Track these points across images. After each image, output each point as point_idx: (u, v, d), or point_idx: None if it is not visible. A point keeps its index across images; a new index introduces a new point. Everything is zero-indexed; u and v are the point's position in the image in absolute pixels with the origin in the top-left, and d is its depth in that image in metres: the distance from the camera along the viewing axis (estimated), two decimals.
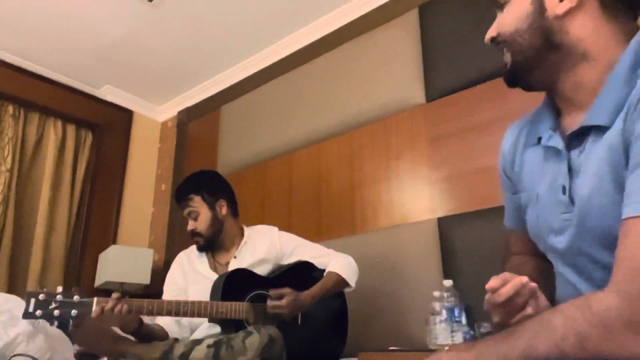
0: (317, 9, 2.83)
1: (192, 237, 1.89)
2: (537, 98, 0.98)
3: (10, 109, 3.16)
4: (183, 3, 2.76)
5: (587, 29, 0.80)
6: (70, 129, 3.45)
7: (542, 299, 0.83)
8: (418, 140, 2.30)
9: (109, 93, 3.64)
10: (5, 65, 3.16)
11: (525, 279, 0.80)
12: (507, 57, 0.89)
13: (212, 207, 1.89)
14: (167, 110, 3.90)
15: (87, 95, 3.54)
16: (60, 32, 3.01)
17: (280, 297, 1.68)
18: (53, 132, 3.33)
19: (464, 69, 2.22)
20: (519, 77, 0.89)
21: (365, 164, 2.48)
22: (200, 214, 1.86)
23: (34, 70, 3.29)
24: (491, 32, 0.91)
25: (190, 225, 1.86)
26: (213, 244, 1.91)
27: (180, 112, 3.81)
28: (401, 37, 2.51)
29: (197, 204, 1.87)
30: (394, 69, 2.50)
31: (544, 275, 0.98)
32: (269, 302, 1.68)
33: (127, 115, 3.73)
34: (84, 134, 3.54)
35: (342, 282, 1.84)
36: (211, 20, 2.91)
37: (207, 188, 1.90)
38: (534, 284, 0.82)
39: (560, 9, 0.81)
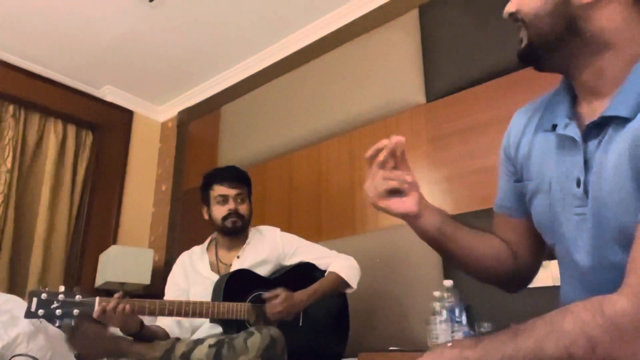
0: (317, 9, 2.83)
1: (227, 218, 1.89)
2: (538, 97, 0.97)
3: (11, 109, 3.16)
4: (183, 3, 2.76)
5: (615, 20, 0.77)
6: (71, 129, 3.45)
7: (417, 199, 0.92)
8: (418, 140, 2.30)
9: (109, 93, 3.64)
10: (5, 65, 3.16)
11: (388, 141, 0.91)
12: (524, 36, 0.85)
13: (250, 201, 2.00)
14: (168, 111, 3.91)
15: (87, 96, 3.54)
16: (60, 32, 3.01)
17: (274, 298, 1.69)
18: (53, 132, 3.34)
19: (464, 69, 2.22)
20: (533, 56, 0.86)
21: (365, 164, 2.47)
22: (246, 201, 1.97)
23: (34, 70, 3.29)
24: (510, 7, 0.87)
25: (233, 204, 1.91)
26: (241, 232, 1.94)
27: (180, 112, 3.81)
28: (401, 37, 2.51)
29: (245, 192, 1.97)
30: (394, 69, 2.50)
31: (490, 249, 0.98)
32: (267, 304, 1.69)
33: (127, 115, 3.73)
34: (85, 134, 3.54)
35: (341, 283, 1.85)
36: (211, 21, 2.91)
37: (250, 186, 2.02)
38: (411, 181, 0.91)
39: None
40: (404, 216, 0.93)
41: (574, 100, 0.86)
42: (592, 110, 0.80)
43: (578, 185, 0.79)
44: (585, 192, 0.78)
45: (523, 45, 0.85)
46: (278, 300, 1.68)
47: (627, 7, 0.77)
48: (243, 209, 1.93)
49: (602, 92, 0.79)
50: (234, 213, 1.90)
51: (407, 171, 0.93)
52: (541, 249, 0.99)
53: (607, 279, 0.74)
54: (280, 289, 1.72)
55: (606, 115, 0.75)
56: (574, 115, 0.84)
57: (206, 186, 1.98)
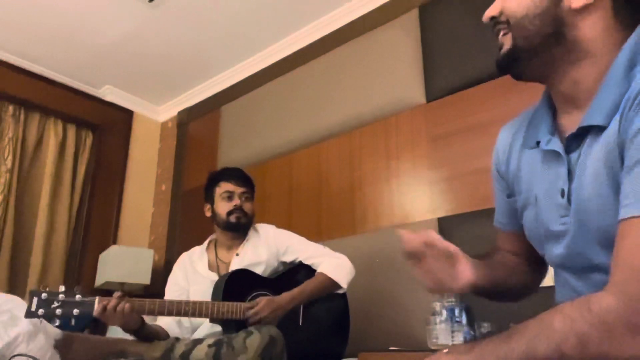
0: (317, 9, 2.83)
1: (231, 214, 1.92)
2: (538, 97, 0.97)
3: (11, 109, 3.16)
4: (183, 3, 2.76)
5: (596, 29, 0.79)
6: (71, 129, 3.45)
7: (465, 265, 0.88)
8: (418, 140, 2.30)
9: (109, 93, 3.64)
10: (5, 65, 3.16)
11: (432, 237, 0.88)
12: (506, 40, 0.85)
13: (253, 202, 2.04)
14: (167, 111, 3.90)
15: (87, 96, 3.54)
16: (60, 32, 3.01)
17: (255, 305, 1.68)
18: (53, 132, 3.34)
19: (464, 69, 2.22)
20: (514, 63, 0.85)
21: (365, 164, 2.48)
22: (250, 201, 2.01)
23: (34, 70, 3.29)
24: (492, 11, 0.86)
25: (239, 201, 1.95)
26: (243, 230, 1.96)
27: (180, 112, 3.81)
28: (401, 37, 2.51)
29: (250, 193, 2.03)
30: (394, 69, 2.50)
31: (510, 271, 0.99)
32: (247, 312, 1.67)
33: (127, 115, 3.73)
34: (84, 134, 3.54)
35: (329, 284, 1.83)
36: (211, 20, 2.91)
37: (254, 190, 2.07)
38: (452, 247, 0.87)
39: (577, 2, 0.78)
40: (466, 289, 0.90)
41: (554, 114, 0.88)
42: (571, 122, 0.82)
43: (562, 195, 0.81)
44: (569, 201, 0.80)
45: (505, 49, 0.85)
46: (257, 307, 1.67)
47: (608, 17, 0.79)
48: (247, 207, 1.97)
49: (579, 102, 0.81)
50: (239, 209, 1.93)
51: (444, 244, 0.90)
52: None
53: (595, 281, 0.77)
54: (262, 297, 1.71)
55: (583, 125, 0.77)
56: (556, 129, 0.86)
57: (212, 183, 2.01)
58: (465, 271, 0.89)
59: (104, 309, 1.44)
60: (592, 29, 0.79)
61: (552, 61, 0.82)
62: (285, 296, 1.75)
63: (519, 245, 1.01)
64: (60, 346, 1.45)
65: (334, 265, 1.86)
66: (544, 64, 0.83)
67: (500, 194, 1.02)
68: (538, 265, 1.02)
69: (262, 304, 1.69)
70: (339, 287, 1.85)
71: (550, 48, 0.81)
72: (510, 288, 1.00)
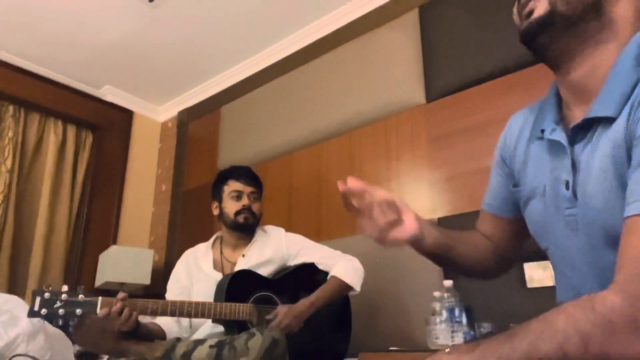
0: (317, 9, 2.83)
1: (239, 214, 1.92)
2: (538, 97, 0.98)
3: (11, 109, 3.16)
4: (183, 3, 2.76)
5: (628, 11, 0.78)
6: (71, 130, 3.45)
7: (410, 217, 0.92)
8: (418, 140, 2.31)
9: (109, 93, 3.64)
10: (5, 65, 3.16)
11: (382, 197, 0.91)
12: (540, 5, 0.80)
13: (261, 203, 2.04)
14: (168, 111, 3.91)
15: (87, 96, 3.54)
16: (60, 32, 3.01)
17: (274, 319, 1.68)
18: (53, 132, 3.34)
19: (464, 69, 2.22)
20: (546, 30, 0.80)
21: (365, 164, 2.48)
22: (259, 201, 2.01)
23: (34, 70, 3.29)
24: None
25: (247, 201, 1.96)
26: (251, 230, 1.97)
27: (180, 112, 3.81)
28: (401, 37, 2.52)
29: (259, 193, 2.03)
30: (394, 69, 2.50)
31: (472, 248, 1.04)
32: (271, 325, 1.67)
33: (127, 115, 3.73)
34: (85, 134, 3.54)
35: (345, 287, 1.83)
36: (211, 20, 2.91)
37: (262, 189, 2.08)
38: (395, 197, 0.91)
39: None
40: (411, 241, 0.94)
41: (561, 105, 0.87)
42: (578, 113, 0.81)
43: (567, 187, 0.80)
44: (574, 194, 0.79)
45: (539, 13, 0.80)
46: (277, 319, 1.67)
47: (638, 4, 0.78)
48: (256, 207, 1.97)
49: (590, 93, 0.79)
50: (247, 209, 1.93)
51: (390, 195, 0.94)
52: (521, 245, 1.06)
53: (600, 279, 0.75)
54: (280, 306, 1.72)
55: (589, 117, 0.76)
56: (561, 119, 0.85)
57: (221, 181, 2.01)
58: (410, 222, 0.92)
59: (109, 313, 1.44)
60: (625, 10, 0.78)
61: (584, 35, 0.79)
62: (304, 303, 1.74)
63: (501, 230, 1.04)
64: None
65: (347, 267, 1.86)
66: (575, 37, 0.79)
67: (500, 178, 1.02)
68: (510, 254, 1.07)
69: (282, 314, 1.68)
70: (352, 289, 1.85)
71: (587, 20, 0.78)
72: (463, 262, 1.04)
